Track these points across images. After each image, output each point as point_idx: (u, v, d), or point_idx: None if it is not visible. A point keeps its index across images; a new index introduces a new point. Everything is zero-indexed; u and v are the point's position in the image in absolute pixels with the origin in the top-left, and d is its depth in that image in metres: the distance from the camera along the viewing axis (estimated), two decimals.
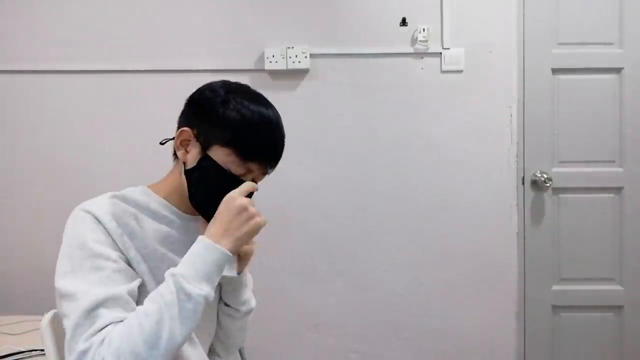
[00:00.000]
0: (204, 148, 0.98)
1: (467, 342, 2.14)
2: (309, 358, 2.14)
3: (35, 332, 1.62)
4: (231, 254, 0.92)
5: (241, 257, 1.05)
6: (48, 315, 1.09)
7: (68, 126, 2.09)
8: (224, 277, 1.03)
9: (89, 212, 0.94)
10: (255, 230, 0.95)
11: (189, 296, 0.86)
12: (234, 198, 0.93)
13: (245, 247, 1.02)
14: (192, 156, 1.00)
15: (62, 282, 0.89)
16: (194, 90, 1.05)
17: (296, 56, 2.06)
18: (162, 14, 2.09)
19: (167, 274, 0.88)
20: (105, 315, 0.86)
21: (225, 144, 0.97)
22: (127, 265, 0.93)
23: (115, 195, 1.01)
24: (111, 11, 2.09)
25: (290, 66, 2.06)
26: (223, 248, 0.91)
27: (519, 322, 2.19)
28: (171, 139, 1.06)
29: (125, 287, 0.90)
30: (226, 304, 1.12)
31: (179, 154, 1.02)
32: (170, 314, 0.84)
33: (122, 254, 0.94)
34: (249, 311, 1.15)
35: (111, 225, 0.94)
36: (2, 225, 2.10)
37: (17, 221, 2.09)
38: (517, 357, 2.17)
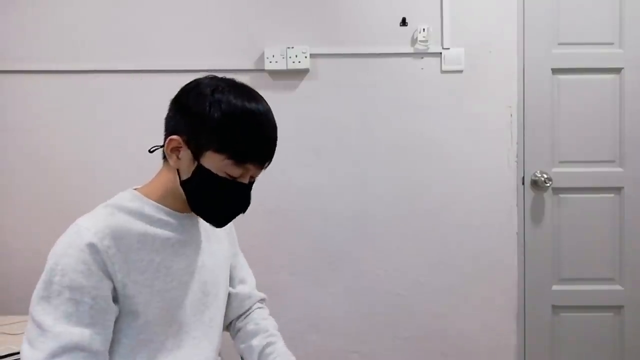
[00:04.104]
0: (196, 155, 0.96)
1: (467, 342, 2.14)
2: (309, 358, 2.13)
3: None
4: None
5: None
6: None
7: (67, 126, 2.09)
8: None
9: (82, 234, 0.91)
10: None
11: None
12: None
13: None
14: (185, 164, 0.98)
15: (37, 308, 0.88)
16: (180, 90, 1.02)
17: (296, 56, 2.06)
18: (162, 14, 2.09)
19: None
20: None
21: (218, 150, 0.94)
22: (106, 303, 0.91)
23: (108, 204, 0.99)
24: (110, 11, 2.09)
25: (290, 66, 2.06)
26: None
27: (519, 322, 2.19)
28: (160, 147, 1.03)
29: (97, 332, 0.90)
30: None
31: (170, 161, 1.00)
32: None
33: (109, 277, 0.92)
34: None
35: (103, 245, 0.91)
36: (1, 225, 2.10)
37: (16, 221, 2.09)
38: (517, 357, 2.17)
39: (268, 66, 2.06)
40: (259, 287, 1.34)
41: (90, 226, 0.92)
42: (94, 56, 2.08)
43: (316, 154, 2.13)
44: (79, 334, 0.87)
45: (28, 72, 2.08)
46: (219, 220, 1.03)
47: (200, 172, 0.96)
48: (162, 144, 1.02)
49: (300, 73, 2.10)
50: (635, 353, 2.25)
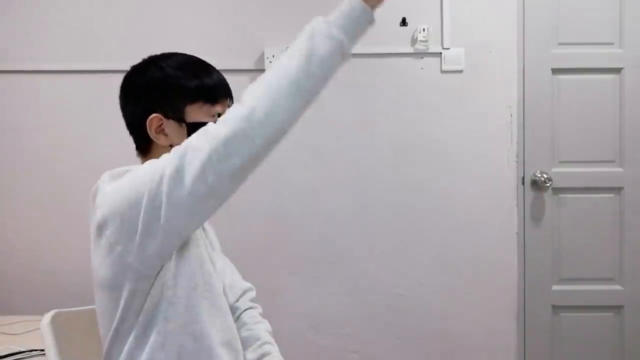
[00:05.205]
0: (180, 117, 1.00)
1: (467, 342, 2.14)
2: (309, 358, 2.13)
3: (35, 332, 1.62)
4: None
5: None
6: (48, 316, 1.09)
7: (68, 126, 2.09)
8: None
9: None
10: None
11: (328, 35, 0.87)
12: None
13: None
14: (175, 133, 1.01)
15: (139, 172, 0.92)
16: (121, 88, 1.09)
17: None
18: (162, 14, 2.09)
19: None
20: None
21: (192, 100, 1.00)
22: None
23: None
24: (111, 11, 2.09)
25: None
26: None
27: (519, 322, 2.19)
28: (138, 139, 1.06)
29: None
30: None
31: (160, 141, 1.02)
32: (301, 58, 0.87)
33: None
34: None
35: None
36: (2, 225, 2.10)
37: (17, 221, 2.09)
38: (517, 357, 2.17)
39: (268, 66, 2.06)
40: (259, 288, 1.33)
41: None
42: (95, 56, 2.08)
43: (316, 154, 2.13)
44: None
45: (28, 72, 2.08)
46: None
47: (193, 127, 0.97)
48: (135, 142, 1.07)
49: None
50: (635, 353, 2.24)
